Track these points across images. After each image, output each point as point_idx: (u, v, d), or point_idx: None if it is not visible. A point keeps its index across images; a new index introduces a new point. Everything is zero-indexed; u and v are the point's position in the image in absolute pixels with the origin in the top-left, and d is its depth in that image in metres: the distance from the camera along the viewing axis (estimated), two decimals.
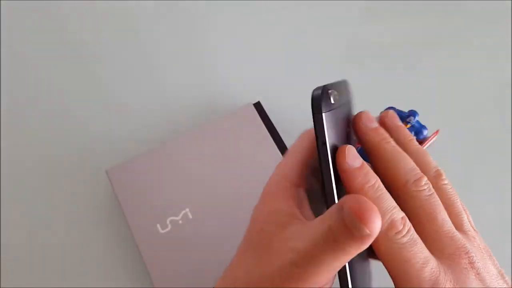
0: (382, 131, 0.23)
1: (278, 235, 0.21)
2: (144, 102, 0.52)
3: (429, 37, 0.56)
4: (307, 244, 0.19)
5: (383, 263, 0.21)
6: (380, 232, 0.19)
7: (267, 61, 0.54)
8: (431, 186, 0.21)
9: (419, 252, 0.20)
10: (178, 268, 0.41)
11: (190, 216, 0.43)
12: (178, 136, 0.46)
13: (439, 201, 0.21)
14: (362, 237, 0.18)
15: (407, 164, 0.22)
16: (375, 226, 0.18)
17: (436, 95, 0.52)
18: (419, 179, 0.21)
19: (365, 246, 0.18)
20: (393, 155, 0.22)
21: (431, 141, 0.45)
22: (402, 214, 0.20)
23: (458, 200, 0.23)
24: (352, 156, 0.21)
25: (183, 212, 0.43)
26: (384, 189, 0.21)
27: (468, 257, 0.20)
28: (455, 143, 0.47)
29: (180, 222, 0.42)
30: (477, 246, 0.21)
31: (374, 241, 0.20)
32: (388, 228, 0.20)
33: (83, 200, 0.48)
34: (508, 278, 0.21)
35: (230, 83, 0.53)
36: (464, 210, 0.23)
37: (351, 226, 0.18)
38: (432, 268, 0.20)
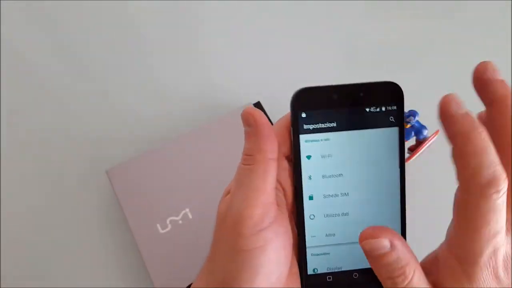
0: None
1: None
2: (144, 102, 0.52)
3: (429, 37, 0.56)
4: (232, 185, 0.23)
5: (456, 218, 0.20)
6: (478, 185, 0.19)
7: (267, 61, 0.54)
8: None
9: (501, 218, 0.19)
10: (178, 268, 0.41)
11: (190, 216, 0.43)
12: (178, 136, 0.46)
13: None
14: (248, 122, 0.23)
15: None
16: (258, 114, 0.23)
17: (436, 95, 0.51)
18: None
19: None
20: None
21: (431, 141, 0.45)
22: (505, 173, 0.19)
23: None
24: (457, 103, 0.21)
25: (183, 212, 0.43)
26: (491, 142, 0.20)
27: None
28: None
29: (180, 222, 0.42)
30: None
31: (465, 192, 0.20)
32: (489, 184, 0.19)
33: (83, 200, 0.48)
34: None
35: (230, 83, 0.53)
36: None
37: (244, 123, 0.23)
38: (500, 239, 0.20)
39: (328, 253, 0.25)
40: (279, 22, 0.57)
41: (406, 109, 0.41)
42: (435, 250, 0.23)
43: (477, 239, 0.19)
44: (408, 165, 0.41)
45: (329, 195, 0.25)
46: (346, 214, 0.25)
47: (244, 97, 0.50)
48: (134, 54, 0.55)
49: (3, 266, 0.45)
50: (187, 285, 0.40)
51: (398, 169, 0.25)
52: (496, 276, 0.20)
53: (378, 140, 0.23)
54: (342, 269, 0.25)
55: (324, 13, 0.57)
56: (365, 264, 0.23)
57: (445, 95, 0.22)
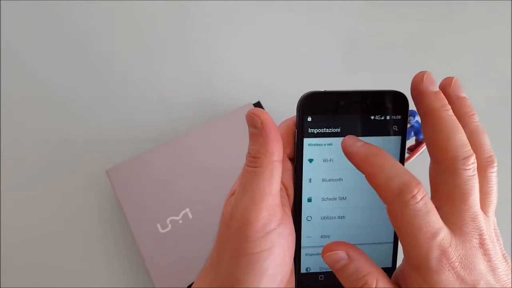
0: (443, 97, 0.22)
1: None
2: (144, 103, 0.52)
3: (429, 37, 0.56)
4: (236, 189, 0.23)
5: (395, 229, 0.21)
6: (393, 194, 0.20)
7: (267, 61, 0.54)
8: (476, 166, 0.21)
9: (432, 221, 0.20)
10: (178, 267, 0.41)
11: (190, 216, 0.43)
12: (178, 137, 0.46)
13: (477, 184, 0.21)
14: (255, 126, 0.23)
15: (460, 138, 0.21)
16: (264, 115, 0.23)
17: None
18: (467, 158, 0.21)
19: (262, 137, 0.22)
20: (449, 125, 0.21)
21: None
22: (417, 180, 0.20)
23: (495, 191, 0.23)
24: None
25: (183, 212, 0.43)
26: (391, 157, 0.21)
27: (481, 238, 0.21)
28: None
29: (180, 222, 0.42)
30: (492, 229, 0.22)
31: (387, 203, 0.20)
32: (402, 191, 0.20)
33: (83, 200, 0.48)
34: (509, 261, 0.22)
35: (230, 83, 0.53)
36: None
37: (249, 124, 0.23)
38: (443, 239, 0.20)
39: None
40: (279, 22, 0.57)
41: None
42: (400, 263, 0.23)
43: (417, 245, 0.20)
44: (407, 165, 0.41)
45: (327, 198, 0.25)
46: (343, 217, 0.25)
47: (244, 97, 0.50)
48: (134, 54, 0.55)
49: (3, 266, 0.45)
50: (187, 285, 0.40)
51: None
52: (458, 277, 0.20)
53: (380, 147, 0.24)
54: None
55: (324, 13, 0.57)
56: None
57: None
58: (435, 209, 0.20)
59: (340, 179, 0.25)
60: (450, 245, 0.20)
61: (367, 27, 0.56)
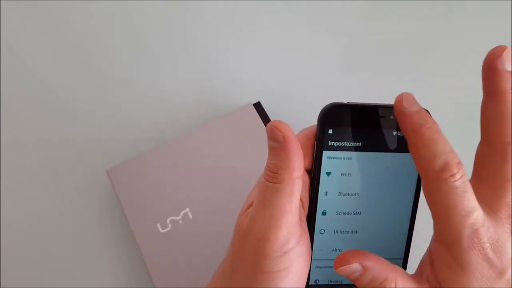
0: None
1: None
2: (144, 102, 0.52)
3: (429, 37, 0.56)
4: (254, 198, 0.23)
5: (429, 206, 0.21)
6: (433, 172, 0.20)
7: (267, 61, 0.54)
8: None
9: (468, 200, 0.20)
10: (179, 267, 0.41)
11: (190, 216, 0.43)
12: (178, 136, 0.46)
13: None
14: (276, 140, 0.22)
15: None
16: (286, 129, 0.22)
17: (436, 95, 0.52)
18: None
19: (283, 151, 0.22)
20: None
21: None
22: (458, 159, 0.20)
23: None
24: (410, 100, 0.22)
25: (183, 212, 0.43)
26: (442, 134, 0.21)
27: None
28: (455, 143, 0.47)
29: (181, 222, 0.42)
30: None
31: (425, 180, 0.20)
32: (443, 169, 0.20)
33: (83, 200, 0.48)
34: None
35: (230, 83, 0.53)
36: None
37: (270, 137, 0.22)
38: (476, 218, 0.20)
39: (331, 267, 0.25)
40: (279, 22, 0.57)
41: None
42: (429, 245, 0.23)
43: (450, 221, 0.20)
44: None
45: (342, 212, 0.25)
46: (355, 232, 0.25)
47: (244, 97, 0.50)
48: (134, 54, 0.55)
49: (3, 266, 0.45)
50: (187, 285, 0.40)
51: (413, 195, 0.25)
52: (486, 259, 0.20)
53: (399, 164, 0.23)
54: (343, 283, 0.25)
55: (324, 13, 0.57)
56: None
57: (399, 94, 0.23)
58: (472, 190, 0.20)
59: (357, 194, 0.25)
60: (482, 226, 0.20)
61: (367, 27, 0.56)
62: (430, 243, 0.22)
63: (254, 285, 0.22)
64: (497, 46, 0.21)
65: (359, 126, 0.24)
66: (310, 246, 0.24)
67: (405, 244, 0.25)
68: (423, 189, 0.21)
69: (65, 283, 0.44)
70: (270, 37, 0.56)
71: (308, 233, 0.24)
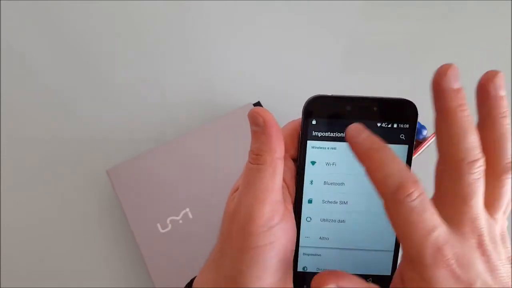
0: (463, 95, 0.21)
1: None
2: (144, 102, 0.52)
3: (429, 37, 0.56)
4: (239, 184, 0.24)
5: (392, 226, 0.21)
6: (389, 193, 0.20)
7: (267, 61, 0.54)
8: (482, 170, 0.21)
9: (427, 219, 0.20)
10: (178, 267, 0.41)
11: (190, 216, 0.43)
12: (178, 136, 0.46)
13: (482, 187, 0.21)
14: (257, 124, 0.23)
15: (471, 141, 0.21)
16: (266, 114, 0.23)
17: None
18: (474, 161, 0.20)
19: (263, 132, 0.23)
20: (462, 127, 0.21)
21: (430, 141, 0.45)
22: (414, 178, 0.20)
23: (509, 195, 0.22)
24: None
25: (183, 212, 0.43)
26: (394, 154, 0.21)
27: (480, 238, 0.21)
28: None
29: (181, 221, 0.42)
30: (496, 232, 0.22)
31: (384, 202, 0.20)
32: (398, 190, 0.20)
33: (83, 200, 0.48)
34: None
35: (230, 83, 0.53)
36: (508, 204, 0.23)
37: (251, 122, 0.23)
38: (438, 236, 0.20)
39: (320, 255, 0.25)
40: (279, 22, 0.57)
41: None
42: (399, 261, 0.23)
43: (413, 241, 0.20)
44: None
45: (328, 201, 0.25)
46: (343, 221, 0.25)
47: (244, 97, 0.50)
48: (134, 54, 0.55)
49: (3, 266, 0.45)
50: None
51: None
52: (453, 275, 0.20)
53: None
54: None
55: (324, 13, 0.57)
56: (354, 270, 0.24)
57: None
58: (432, 207, 0.20)
59: (342, 183, 0.25)
60: (446, 243, 0.20)
61: (367, 27, 0.56)
62: (400, 260, 0.22)
63: (241, 261, 0.22)
64: (442, 65, 0.22)
65: (343, 117, 0.24)
66: (294, 225, 0.24)
67: (395, 236, 0.25)
68: (384, 208, 0.21)
69: (65, 283, 0.44)
70: (270, 37, 0.56)
71: (292, 212, 0.25)
